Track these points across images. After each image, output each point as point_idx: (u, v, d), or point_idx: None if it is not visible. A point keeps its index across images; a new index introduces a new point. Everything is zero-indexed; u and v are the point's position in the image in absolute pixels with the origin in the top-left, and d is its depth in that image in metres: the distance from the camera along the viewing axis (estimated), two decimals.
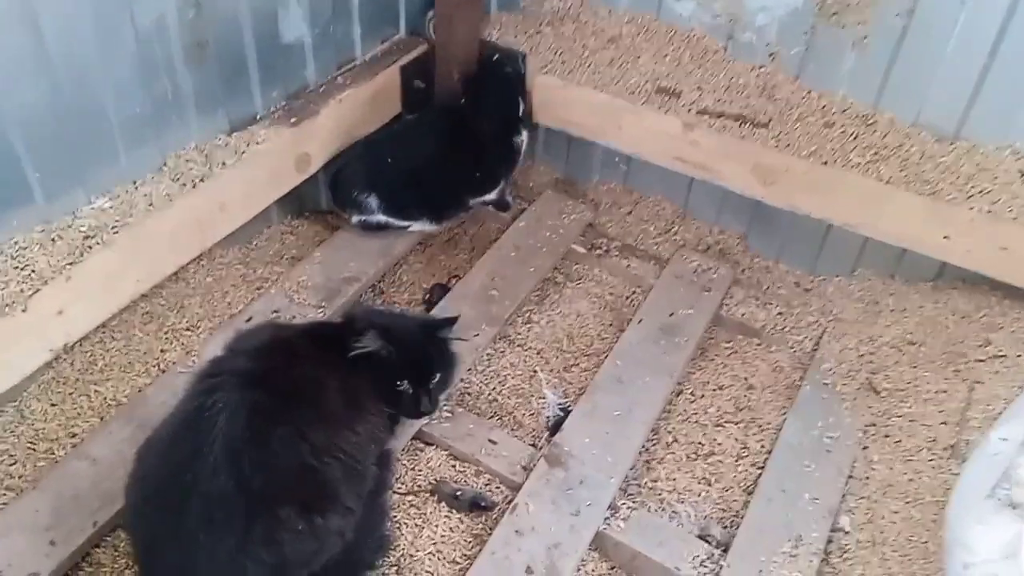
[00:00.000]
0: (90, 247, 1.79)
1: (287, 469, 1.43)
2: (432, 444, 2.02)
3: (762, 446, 2.10)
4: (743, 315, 2.45)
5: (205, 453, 1.41)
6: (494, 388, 2.20)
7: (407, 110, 2.64)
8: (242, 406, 1.44)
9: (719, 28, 2.43)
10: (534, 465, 1.94)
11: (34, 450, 1.82)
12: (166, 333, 2.10)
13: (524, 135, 2.60)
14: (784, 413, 2.16)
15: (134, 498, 1.49)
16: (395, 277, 2.48)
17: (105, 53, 1.79)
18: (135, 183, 1.94)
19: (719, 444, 2.11)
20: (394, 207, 2.40)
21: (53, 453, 1.82)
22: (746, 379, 2.28)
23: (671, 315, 2.36)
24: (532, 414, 2.14)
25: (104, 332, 2.03)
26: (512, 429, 2.09)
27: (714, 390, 2.25)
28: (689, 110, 2.39)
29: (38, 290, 1.69)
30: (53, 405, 1.89)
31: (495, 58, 2.55)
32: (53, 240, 1.77)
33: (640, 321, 2.33)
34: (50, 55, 1.68)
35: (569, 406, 2.14)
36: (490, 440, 2.02)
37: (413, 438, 2.01)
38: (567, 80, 2.53)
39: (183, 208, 1.98)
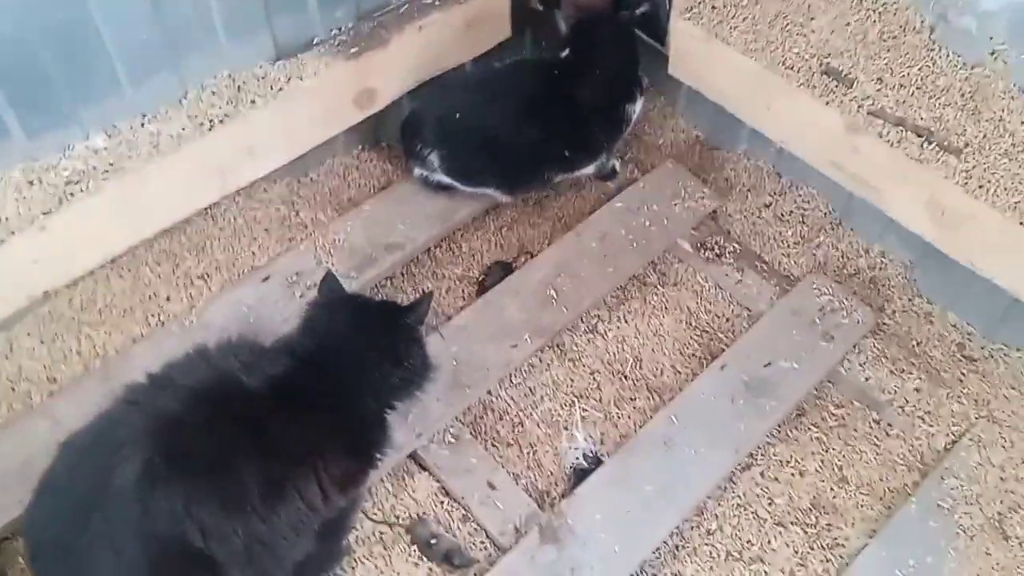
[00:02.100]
0: (72, 194, 1.65)
1: (165, 546, 1.27)
2: (425, 470, 1.80)
3: (825, 570, 1.69)
4: (867, 379, 1.95)
5: (99, 499, 1.27)
6: (523, 409, 1.91)
7: (518, 34, 2.23)
8: (138, 459, 1.28)
9: (928, 2, 1.78)
10: (526, 532, 1.68)
11: (13, 389, 1.79)
12: (178, 278, 1.98)
13: (640, 102, 2.13)
14: (872, 532, 1.72)
15: (34, 515, 1.40)
16: (453, 244, 2.19)
17: None
18: (144, 118, 1.75)
19: (772, 550, 1.73)
20: (459, 169, 2.08)
21: (31, 397, 1.79)
22: (840, 468, 1.84)
23: (766, 366, 1.92)
24: (556, 455, 1.85)
25: (111, 268, 1.93)
26: (524, 470, 1.82)
27: (793, 474, 1.84)
28: (859, 107, 1.83)
29: (3, 240, 1.58)
30: (42, 343, 1.85)
31: None
32: (31, 183, 1.64)
33: (723, 367, 1.91)
34: None
35: (602, 455, 1.82)
36: (490, 484, 1.76)
37: (408, 456, 1.80)
38: (712, 33, 2.01)
39: (195, 153, 1.78)
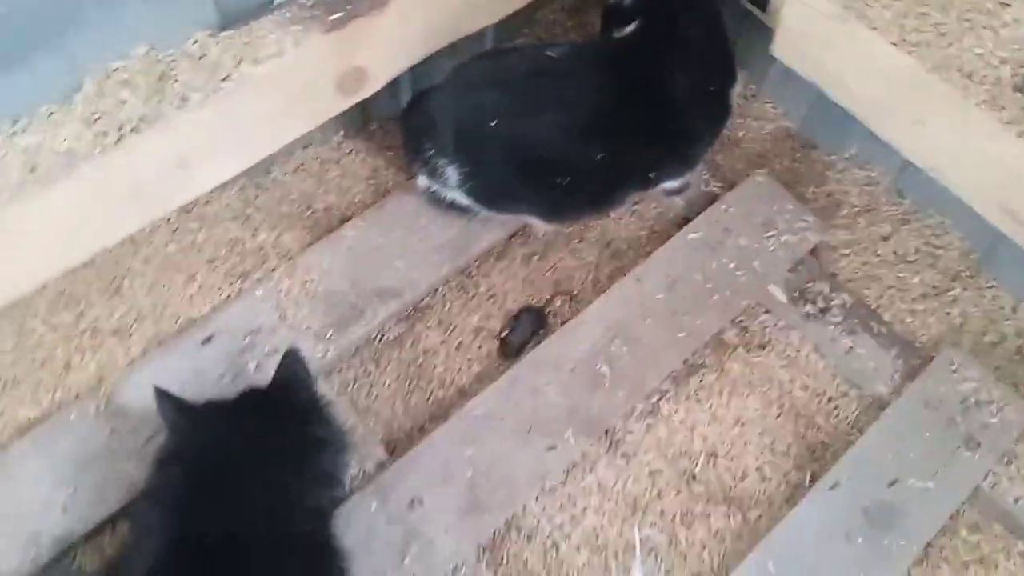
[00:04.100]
0: None
1: None
2: None
3: None
4: (1018, 500, 1.48)
5: None
6: (559, 527, 1.44)
7: None
8: None
9: None
10: None
11: None
12: (82, 334, 1.45)
13: (737, 85, 1.58)
14: None
15: None
16: (467, 280, 1.65)
17: None
18: (14, 126, 1.18)
19: None
20: (487, 190, 1.52)
21: None
22: None
23: (891, 484, 1.44)
24: None
25: None
26: None
27: None
28: None
29: None
30: None
31: None
32: None
33: (835, 486, 1.43)
34: None
35: None
36: None
37: None
38: (852, 10, 1.44)
39: (96, 174, 1.21)
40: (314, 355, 1.45)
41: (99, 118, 1.22)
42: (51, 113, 1.21)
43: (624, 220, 1.75)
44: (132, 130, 1.22)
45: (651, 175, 1.56)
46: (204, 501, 1.13)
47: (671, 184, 1.66)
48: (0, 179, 1.16)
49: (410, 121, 1.56)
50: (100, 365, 1.42)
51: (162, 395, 1.19)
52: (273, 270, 1.53)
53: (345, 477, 1.29)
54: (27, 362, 1.42)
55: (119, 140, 1.22)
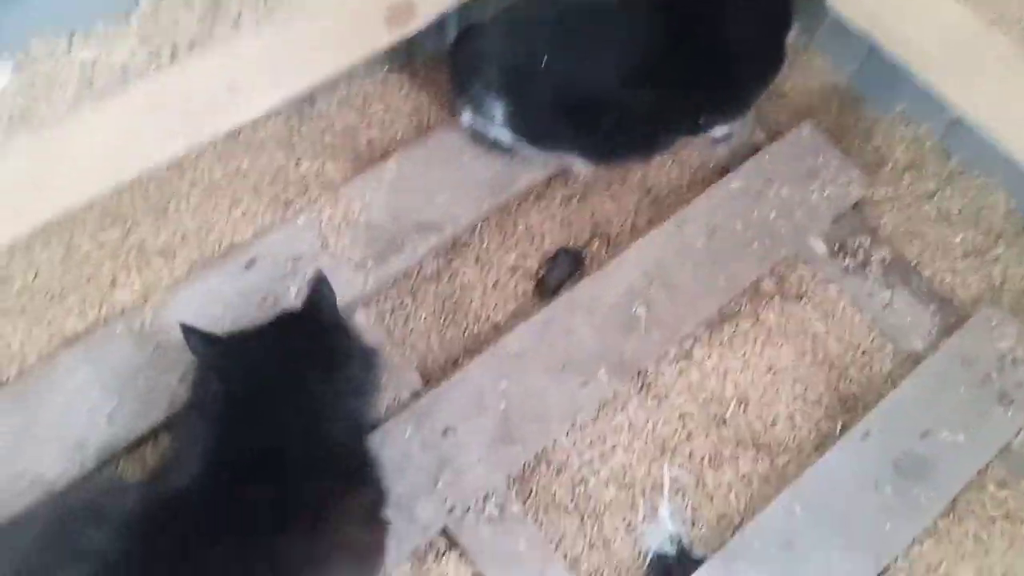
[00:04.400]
0: None
1: None
2: (457, 549, 1.36)
3: None
4: None
5: None
6: (588, 462, 1.46)
7: None
8: None
9: None
10: None
11: None
12: (128, 253, 1.48)
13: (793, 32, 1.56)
14: None
15: None
16: (506, 219, 1.66)
17: None
18: (71, 40, 1.20)
19: None
20: (533, 129, 1.52)
21: None
22: None
23: (924, 436, 1.45)
24: (628, 531, 1.41)
25: (40, 236, 1.42)
26: (585, 552, 1.40)
27: None
28: None
29: None
30: None
31: None
32: None
33: (866, 435, 1.44)
34: None
35: (691, 543, 1.39)
36: None
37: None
38: None
39: (149, 93, 1.24)
40: (353, 285, 1.48)
41: (154, 36, 1.24)
42: (108, 29, 1.22)
43: (666, 167, 1.75)
44: (186, 50, 1.24)
45: (701, 120, 1.55)
46: (242, 416, 1.16)
47: (719, 131, 1.65)
48: (57, 92, 1.18)
49: (458, 56, 1.56)
50: (145, 283, 1.45)
51: (189, 330, 1.21)
52: (316, 200, 1.54)
53: (376, 389, 1.31)
54: (74, 276, 1.45)
55: (173, 59, 1.24)
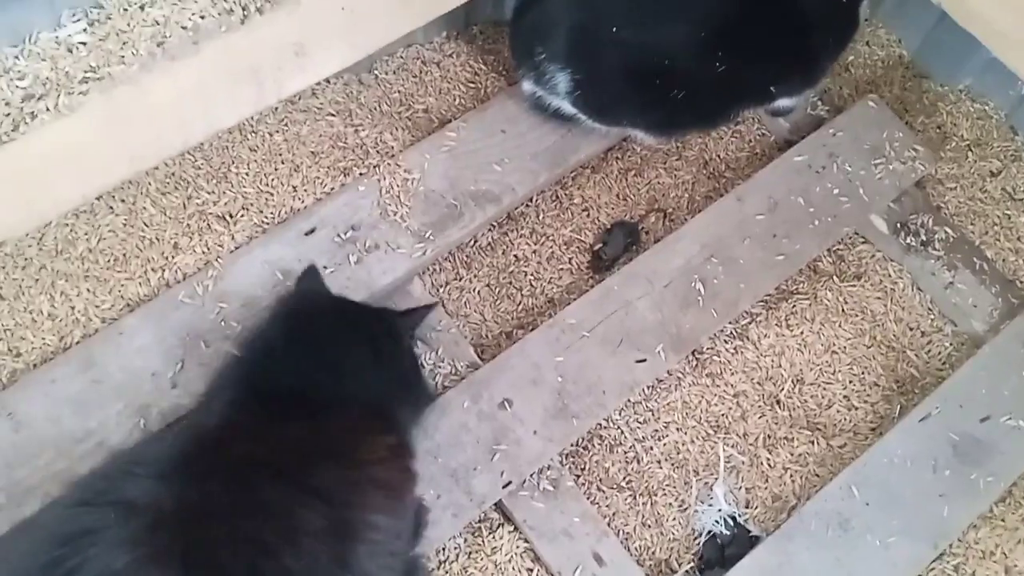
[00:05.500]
0: (32, 114, 1.12)
1: None
2: (511, 523, 1.37)
3: None
4: None
5: None
6: (641, 440, 1.46)
7: None
8: None
9: None
10: None
11: None
12: (190, 217, 1.48)
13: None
14: None
15: None
16: (563, 191, 1.65)
17: None
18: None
19: None
20: (597, 101, 1.49)
21: None
22: None
23: (984, 420, 1.44)
24: (682, 510, 1.41)
25: (104, 199, 1.43)
26: (638, 528, 1.41)
27: (997, 573, 1.40)
28: None
29: None
30: (1, 299, 1.37)
31: None
32: None
33: (926, 417, 1.43)
34: None
35: (746, 523, 1.39)
36: (595, 555, 1.34)
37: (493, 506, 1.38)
38: None
39: (219, 53, 1.23)
40: (412, 255, 1.48)
41: None
42: None
43: (724, 140, 1.72)
44: (256, 10, 1.23)
45: (772, 89, 1.51)
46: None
47: (787, 102, 1.61)
48: (130, 50, 1.17)
49: (522, 23, 1.53)
50: (207, 248, 1.45)
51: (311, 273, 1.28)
52: (375, 167, 1.53)
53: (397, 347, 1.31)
54: (136, 240, 1.46)
55: (244, 19, 1.23)
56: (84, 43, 1.16)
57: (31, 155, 1.17)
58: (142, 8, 1.20)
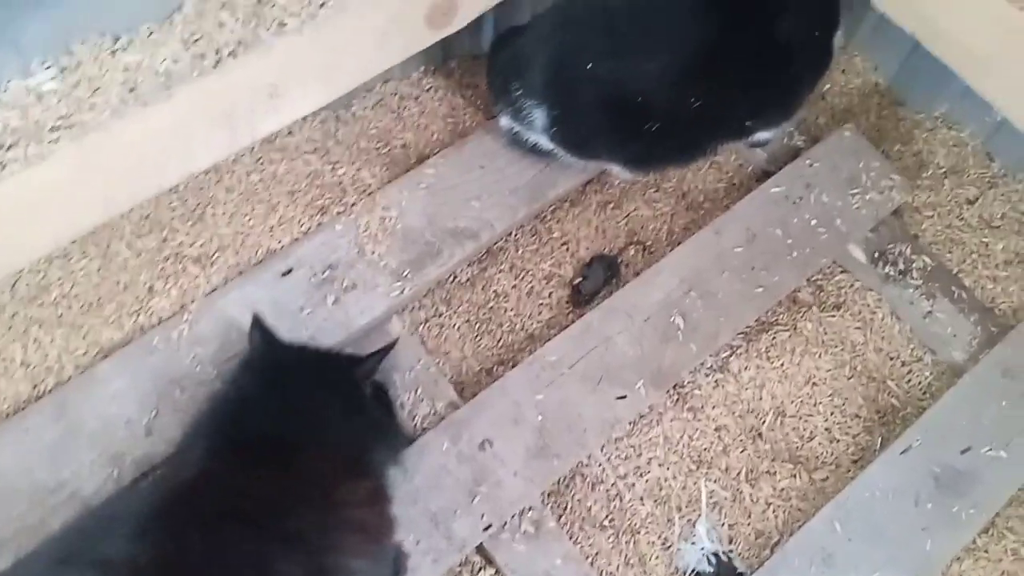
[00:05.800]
0: (2, 164, 1.11)
1: None
2: (491, 566, 1.36)
3: None
4: None
5: None
6: (622, 476, 1.46)
7: None
8: None
9: None
10: None
11: None
12: (166, 260, 1.47)
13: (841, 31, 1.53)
14: None
15: None
16: (540, 225, 1.65)
17: None
18: (115, 44, 1.18)
19: None
20: (574, 136, 1.49)
21: None
22: None
23: (965, 451, 1.44)
24: (666, 547, 1.40)
25: (78, 244, 1.42)
26: (620, 568, 1.39)
27: None
28: None
29: None
30: None
31: None
32: None
33: (907, 450, 1.43)
34: None
35: (730, 560, 1.38)
36: None
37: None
38: None
39: (192, 98, 1.22)
40: (389, 293, 1.47)
41: (198, 39, 1.21)
42: (151, 33, 1.20)
43: (702, 172, 1.73)
44: (229, 54, 1.22)
45: (748, 123, 1.51)
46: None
47: (764, 135, 1.61)
48: (101, 97, 1.16)
49: (498, 59, 1.53)
50: (182, 291, 1.44)
51: (257, 323, 1.25)
52: (352, 205, 1.53)
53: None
54: (111, 284, 1.44)
55: (216, 63, 1.22)
56: (54, 90, 1.15)
57: (1, 203, 1.16)
58: (113, 54, 1.18)
